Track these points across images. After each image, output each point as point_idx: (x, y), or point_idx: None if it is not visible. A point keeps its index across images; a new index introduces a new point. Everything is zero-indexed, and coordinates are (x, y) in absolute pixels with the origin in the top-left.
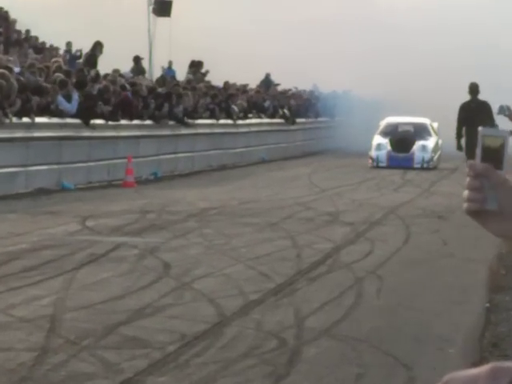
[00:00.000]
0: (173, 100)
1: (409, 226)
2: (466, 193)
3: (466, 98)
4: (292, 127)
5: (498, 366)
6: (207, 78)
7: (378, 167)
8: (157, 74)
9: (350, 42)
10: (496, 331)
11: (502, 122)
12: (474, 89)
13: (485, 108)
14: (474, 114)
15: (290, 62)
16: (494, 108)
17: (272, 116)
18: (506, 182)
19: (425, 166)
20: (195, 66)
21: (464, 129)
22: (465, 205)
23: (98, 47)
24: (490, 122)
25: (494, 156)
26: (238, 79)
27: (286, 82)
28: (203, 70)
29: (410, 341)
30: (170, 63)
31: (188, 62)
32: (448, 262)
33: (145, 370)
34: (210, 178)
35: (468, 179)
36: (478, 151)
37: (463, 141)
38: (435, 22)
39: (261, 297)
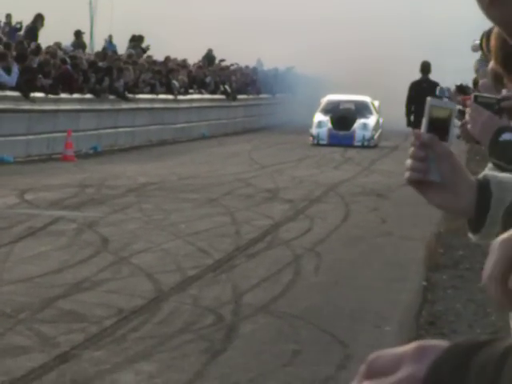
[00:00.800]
0: (113, 74)
1: (348, 203)
2: (409, 162)
3: (411, 77)
4: (233, 103)
5: (424, 345)
6: (149, 53)
7: (318, 145)
8: (98, 48)
9: (293, 15)
10: (433, 309)
11: None
12: (425, 68)
13: (435, 89)
14: (424, 93)
15: (234, 37)
16: None
17: (213, 92)
18: (450, 154)
19: (365, 144)
20: (136, 40)
21: (413, 107)
22: (407, 174)
23: (38, 20)
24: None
25: (440, 127)
26: (180, 54)
27: (230, 58)
28: (144, 45)
29: (347, 318)
30: (111, 37)
31: (129, 36)
32: (386, 240)
33: (81, 343)
34: (150, 153)
35: (412, 148)
36: (425, 121)
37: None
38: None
39: (199, 272)
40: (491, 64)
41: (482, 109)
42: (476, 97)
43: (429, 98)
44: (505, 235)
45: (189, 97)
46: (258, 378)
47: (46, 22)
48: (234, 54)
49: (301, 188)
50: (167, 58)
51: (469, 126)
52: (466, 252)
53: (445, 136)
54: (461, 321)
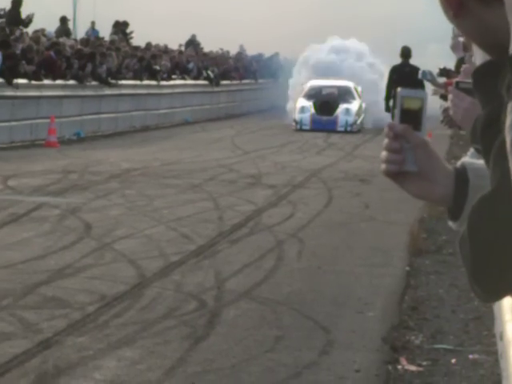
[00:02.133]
0: (96, 60)
1: (331, 189)
2: (384, 154)
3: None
4: (216, 89)
5: None
6: (131, 40)
7: (301, 130)
8: (81, 34)
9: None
10: (416, 295)
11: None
12: (406, 52)
13: (417, 73)
14: (407, 77)
15: (217, 24)
16: None
17: (196, 78)
18: (424, 144)
19: (348, 129)
20: (119, 26)
21: (393, 91)
22: (383, 166)
23: (17, 3)
24: (420, 87)
25: (412, 117)
26: (163, 40)
27: (214, 44)
28: (128, 31)
29: (330, 304)
30: (93, 23)
31: (112, 22)
32: (369, 225)
33: (64, 330)
34: (133, 139)
35: (386, 140)
36: (397, 112)
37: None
38: None
39: (181, 258)
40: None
41: (464, 95)
42: (457, 83)
43: (399, 89)
44: None
45: (172, 82)
46: (240, 364)
47: (29, 8)
48: (217, 40)
49: (283, 174)
50: (149, 44)
51: (451, 112)
52: (449, 237)
53: (418, 126)
54: (444, 306)
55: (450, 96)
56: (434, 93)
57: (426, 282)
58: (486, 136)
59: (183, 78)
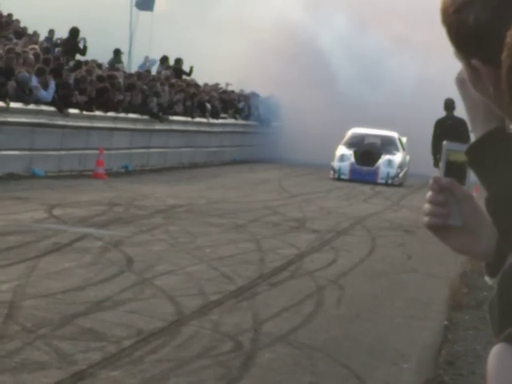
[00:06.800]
0: (149, 95)
1: (375, 237)
2: (427, 207)
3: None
4: (265, 130)
5: None
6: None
7: (339, 179)
8: (135, 68)
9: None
10: (452, 350)
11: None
12: (449, 105)
13: (461, 125)
14: (451, 130)
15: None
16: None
17: (246, 117)
18: (470, 198)
19: (389, 181)
20: (166, 61)
21: (438, 146)
22: (426, 219)
23: (74, 33)
24: (466, 139)
25: (457, 171)
26: (212, 79)
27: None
28: (186, 67)
29: (366, 353)
30: (147, 58)
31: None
32: (411, 276)
33: (99, 362)
34: (181, 176)
35: (430, 193)
36: (442, 165)
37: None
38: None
39: (221, 298)
40: None
41: None
42: None
43: (445, 142)
44: None
45: (221, 121)
46: None
47: (85, 37)
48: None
49: (328, 219)
50: (206, 85)
51: None
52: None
53: (463, 180)
54: (480, 362)
55: None
56: None
57: (463, 337)
58: (503, 209)
59: (234, 118)
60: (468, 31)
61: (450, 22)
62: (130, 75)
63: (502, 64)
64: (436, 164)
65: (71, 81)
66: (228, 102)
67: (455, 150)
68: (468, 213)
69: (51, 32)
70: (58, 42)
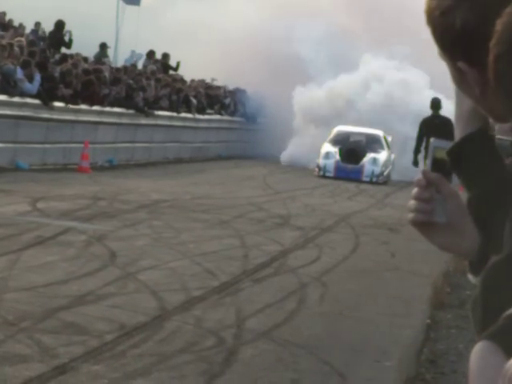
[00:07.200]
0: (135, 89)
1: (359, 235)
2: (412, 203)
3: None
4: (252, 126)
5: None
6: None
7: (324, 177)
8: (121, 62)
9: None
10: (434, 348)
11: None
12: (436, 104)
13: (448, 125)
14: (437, 129)
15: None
16: None
17: (232, 113)
18: (455, 195)
19: (374, 180)
20: (152, 55)
21: (425, 144)
22: (411, 215)
23: (60, 26)
24: (452, 139)
25: (443, 168)
26: (198, 75)
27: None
28: (172, 62)
29: (348, 350)
30: (133, 53)
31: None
32: (394, 274)
33: (80, 356)
34: (165, 171)
35: (416, 189)
36: (429, 162)
37: (420, 156)
38: None
39: (204, 294)
40: None
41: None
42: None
43: (432, 140)
44: None
45: (207, 117)
46: None
47: (73, 33)
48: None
49: (313, 216)
50: (193, 81)
51: None
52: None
53: (449, 177)
54: (462, 361)
55: None
56: None
57: (446, 335)
58: (484, 210)
59: (220, 114)
60: (454, 34)
61: (435, 24)
62: (116, 69)
63: (490, 52)
64: (415, 163)
65: (57, 74)
66: (214, 98)
67: (442, 147)
68: (453, 210)
69: (37, 25)
70: (43, 34)
